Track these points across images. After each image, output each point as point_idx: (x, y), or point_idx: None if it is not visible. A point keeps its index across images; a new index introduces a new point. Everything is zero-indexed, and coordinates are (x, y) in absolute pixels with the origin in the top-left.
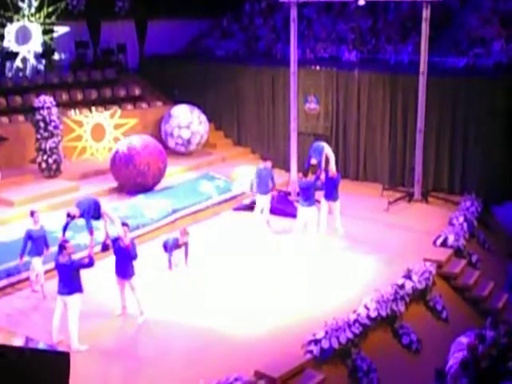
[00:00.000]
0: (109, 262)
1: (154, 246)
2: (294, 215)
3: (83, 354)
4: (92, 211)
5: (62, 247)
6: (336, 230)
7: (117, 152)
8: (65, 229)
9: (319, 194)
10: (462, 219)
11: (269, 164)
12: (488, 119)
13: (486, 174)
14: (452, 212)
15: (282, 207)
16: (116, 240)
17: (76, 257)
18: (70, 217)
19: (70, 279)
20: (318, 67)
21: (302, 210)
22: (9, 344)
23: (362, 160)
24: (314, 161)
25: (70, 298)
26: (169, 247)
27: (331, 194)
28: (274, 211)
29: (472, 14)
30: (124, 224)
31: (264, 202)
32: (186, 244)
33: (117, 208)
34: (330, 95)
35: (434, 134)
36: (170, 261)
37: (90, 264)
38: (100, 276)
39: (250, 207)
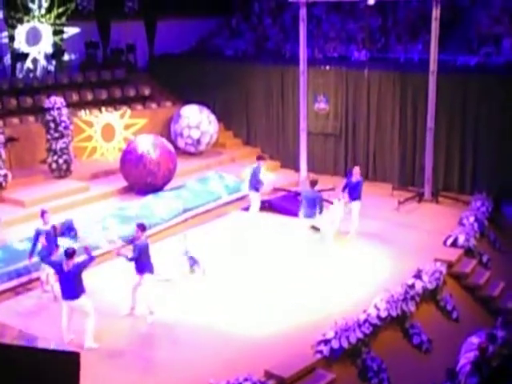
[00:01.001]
0: (116, 263)
1: (164, 246)
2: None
3: (92, 354)
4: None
5: (69, 255)
6: (349, 232)
7: (126, 152)
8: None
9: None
10: (472, 219)
11: (261, 163)
12: (498, 118)
13: (497, 173)
14: (462, 212)
15: (290, 206)
16: (133, 240)
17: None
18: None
19: (75, 284)
20: (327, 67)
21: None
22: (20, 344)
23: (372, 159)
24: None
25: (77, 302)
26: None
27: (350, 194)
28: (281, 210)
29: (482, 12)
30: (139, 225)
31: (256, 199)
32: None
33: (127, 208)
34: (340, 95)
35: (444, 133)
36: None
37: (91, 258)
38: (108, 276)
39: (260, 206)
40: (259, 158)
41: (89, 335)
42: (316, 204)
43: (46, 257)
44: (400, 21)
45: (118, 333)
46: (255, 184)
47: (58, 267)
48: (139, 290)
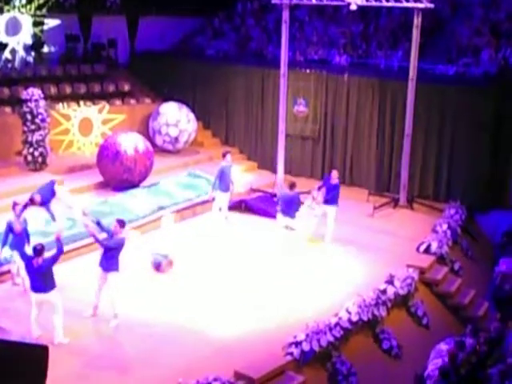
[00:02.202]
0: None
1: (138, 244)
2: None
3: (62, 350)
4: (50, 195)
5: (37, 252)
6: (323, 236)
7: (103, 147)
8: (21, 212)
9: None
10: (445, 226)
11: (229, 159)
12: (475, 128)
13: (471, 182)
14: (436, 219)
15: (266, 208)
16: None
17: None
18: (32, 202)
19: (45, 279)
20: (308, 70)
21: (280, 218)
22: None
23: (349, 164)
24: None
25: (47, 296)
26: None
27: (327, 198)
28: (257, 211)
29: (463, 23)
30: (119, 221)
31: (224, 200)
32: None
33: (102, 203)
34: (319, 98)
35: (421, 140)
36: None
37: (60, 251)
38: (79, 272)
39: (237, 206)
40: (226, 153)
41: (58, 330)
42: (294, 205)
43: (18, 248)
44: (381, 28)
45: (86, 330)
46: (226, 184)
47: (27, 261)
48: (105, 290)
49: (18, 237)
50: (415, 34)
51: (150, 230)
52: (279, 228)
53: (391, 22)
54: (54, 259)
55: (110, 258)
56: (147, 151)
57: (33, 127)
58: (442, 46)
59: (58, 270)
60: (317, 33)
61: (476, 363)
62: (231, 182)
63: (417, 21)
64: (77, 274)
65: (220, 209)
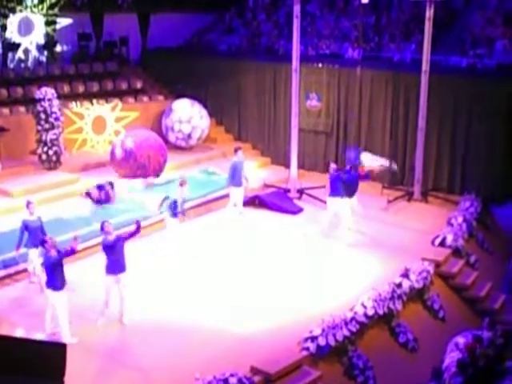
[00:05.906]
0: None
1: (153, 240)
2: (291, 212)
3: (76, 349)
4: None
5: (44, 243)
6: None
7: (116, 146)
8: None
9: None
10: (460, 219)
11: (241, 155)
12: (489, 120)
13: (486, 174)
14: (451, 212)
15: (281, 203)
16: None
17: None
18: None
19: (55, 274)
20: (320, 64)
21: (329, 201)
22: (6, 334)
23: None
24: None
25: (56, 294)
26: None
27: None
28: (271, 206)
29: (476, 14)
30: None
31: (238, 195)
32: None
33: (118, 201)
34: (332, 92)
35: (435, 133)
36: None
37: (72, 250)
38: (91, 272)
39: (251, 201)
40: (237, 149)
41: (65, 330)
42: (337, 185)
43: (35, 245)
44: (394, 20)
45: (100, 328)
46: (238, 179)
47: (44, 256)
48: (116, 291)
49: (33, 234)
50: (428, 26)
51: (164, 227)
52: (328, 213)
53: (403, 13)
54: (64, 255)
55: (116, 259)
56: (161, 148)
57: (47, 126)
58: (455, 38)
59: (72, 269)
60: (328, 26)
61: (493, 356)
62: (245, 177)
63: (429, 12)
64: (89, 272)
65: (235, 204)
